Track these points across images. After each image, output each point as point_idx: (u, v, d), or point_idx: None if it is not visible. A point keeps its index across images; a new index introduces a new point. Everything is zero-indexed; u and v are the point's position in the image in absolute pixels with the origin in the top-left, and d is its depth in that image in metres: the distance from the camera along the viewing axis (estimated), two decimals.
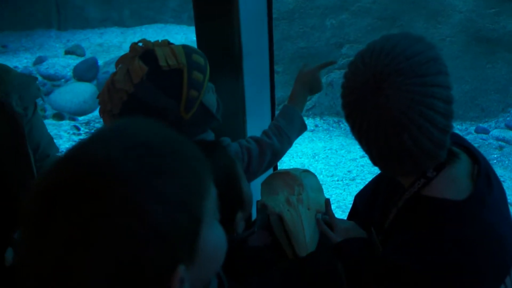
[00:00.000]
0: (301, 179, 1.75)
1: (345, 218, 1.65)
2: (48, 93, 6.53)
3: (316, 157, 4.96)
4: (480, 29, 5.36)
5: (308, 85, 1.68)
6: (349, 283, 1.39)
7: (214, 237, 0.73)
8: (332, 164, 4.83)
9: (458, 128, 5.49)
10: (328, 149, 5.04)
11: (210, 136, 1.60)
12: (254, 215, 1.72)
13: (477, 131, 5.38)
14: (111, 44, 7.72)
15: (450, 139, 1.23)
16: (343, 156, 4.88)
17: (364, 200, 1.56)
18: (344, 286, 1.34)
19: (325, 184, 4.45)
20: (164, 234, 0.62)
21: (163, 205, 0.62)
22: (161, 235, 0.61)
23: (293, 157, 5.02)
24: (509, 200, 4.26)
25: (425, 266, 1.08)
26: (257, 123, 1.92)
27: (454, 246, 1.09)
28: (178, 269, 0.64)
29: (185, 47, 1.47)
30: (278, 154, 1.63)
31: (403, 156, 1.08)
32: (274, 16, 5.77)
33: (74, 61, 7.02)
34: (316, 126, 5.47)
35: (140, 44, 1.45)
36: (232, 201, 1.24)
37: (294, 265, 1.32)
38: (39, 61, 7.09)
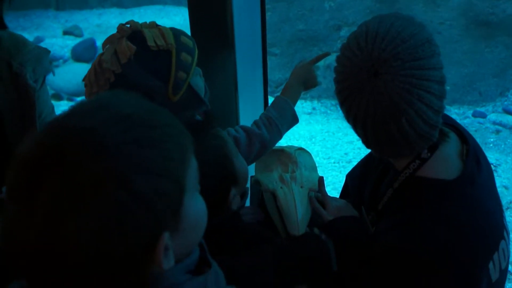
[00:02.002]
0: (295, 157, 1.77)
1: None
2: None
3: (313, 139, 4.98)
4: (479, 13, 5.34)
5: (302, 79, 1.68)
6: (339, 261, 1.42)
7: (195, 207, 0.75)
8: (329, 147, 4.85)
9: (456, 112, 5.50)
10: (325, 132, 5.06)
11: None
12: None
13: (475, 115, 5.39)
14: (109, 25, 7.68)
15: (443, 121, 1.27)
16: (340, 139, 4.90)
17: (354, 180, 1.59)
18: (334, 267, 1.37)
19: (321, 167, 4.47)
20: (148, 202, 0.63)
21: (147, 174, 0.64)
22: (145, 203, 0.63)
23: (290, 139, 5.03)
24: (505, 183, 4.26)
25: (417, 246, 1.10)
26: (249, 108, 1.93)
27: (446, 225, 1.11)
28: (163, 236, 0.66)
29: (173, 29, 1.46)
30: (267, 145, 1.63)
31: (399, 139, 1.09)
32: None
33: (72, 41, 6.99)
34: (314, 108, 5.48)
35: (128, 25, 1.44)
36: (225, 179, 1.25)
37: (286, 244, 1.35)
38: (37, 41, 7.06)
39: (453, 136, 1.23)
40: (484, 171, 1.23)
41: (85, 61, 6.60)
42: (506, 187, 4.31)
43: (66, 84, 6.31)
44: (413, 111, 1.05)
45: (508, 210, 4.03)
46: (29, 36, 7.23)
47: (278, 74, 5.69)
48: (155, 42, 1.38)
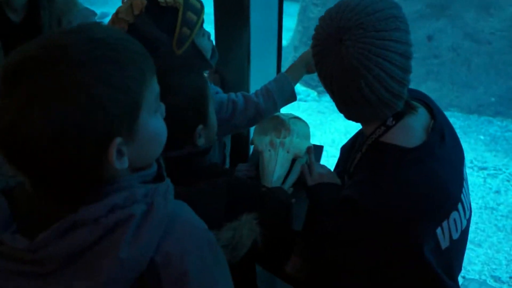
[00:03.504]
0: (289, 124, 1.91)
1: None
2: None
3: (348, 135, 5.04)
4: None
5: (306, 62, 1.79)
6: (308, 223, 1.54)
7: (154, 125, 0.89)
8: None
9: (498, 124, 5.42)
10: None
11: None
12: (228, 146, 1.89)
13: None
14: None
15: (415, 95, 1.35)
16: None
17: (344, 152, 1.69)
18: (293, 226, 1.49)
19: None
20: (104, 108, 0.77)
21: (107, 86, 0.78)
22: (101, 108, 0.77)
23: (325, 132, 5.12)
24: None
25: (371, 201, 1.20)
26: (260, 80, 2.06)
27: (397, 186, 1.20)
28: (115, 140, 0.80)
29: None
30: (262, 113, 1.74)
31: (362, 102, 1.19)
32: None
33: None
34: None
35: None
36: (196, 113, 1.37)
37: (241, 182, 1.47)
38: (102, 16, 7.41)
39: (422, 111, 1.32)
40: (448, 147, 1.31)
41: None
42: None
43: None
44: (371, 76, 1.15)
45: None
46: (96, 10, 7.58)
47: None
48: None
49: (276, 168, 1.77)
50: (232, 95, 1.72)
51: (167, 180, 0.93)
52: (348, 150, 1.65)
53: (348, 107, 1.25)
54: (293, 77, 1.79)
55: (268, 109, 1.75)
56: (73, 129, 0.76)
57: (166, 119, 0.95)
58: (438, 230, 1.23)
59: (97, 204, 0.80)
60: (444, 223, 1.24)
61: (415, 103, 1.31)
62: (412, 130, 1.27)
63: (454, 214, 1.27)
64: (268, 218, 1.30)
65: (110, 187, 0.83)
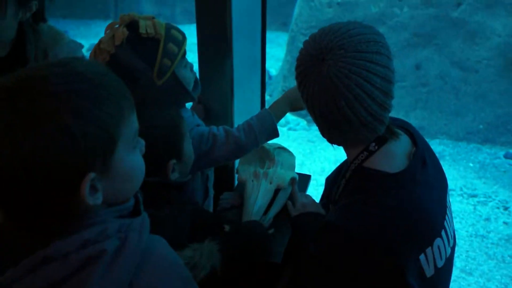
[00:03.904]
0: (273, 155, 1.91)
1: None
2: None
3: (337, 163, 5.03)
4: None
5: (290, 100, 1.80)
6: (288, 254, 1.53)
7: (131, 161, 0.88)
8: None
9: (487, 151, 5.45)
10: None
11: (186, 112, 1.73)
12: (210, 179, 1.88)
13: (506, 156, 5.32)
14: None
15: (398, 123, 1.36)
16: None
17: (329, 182, 1.70)
18: (272, 252, 1.48)
19: None
20: (76, 141, 0.76)
21: (80, 119, 0.77)
22: (73, 141, 0.76)
23: (315, 161, 5.13)
24: None
25: (353, 226, 1.19)
26: (244, 104, 2.07)
27: (380, 211, 1.20)
28: (88, 175, 0.78)
29: (167, 24, 1.64)
30: (243, 148, 1.74)
31: (343, 123, 1.19)
32: (312, 24, 5.85)
33: None
34: None
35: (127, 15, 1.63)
36: (170, 148, 1.39)
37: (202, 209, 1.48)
38: (92, 47, 7.49)
39: (404, 138, 1.33)
40: (430, 174, 1.31)
41: None
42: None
43: None
44: (351, 95, 1.16)
45: None
46: (86, 42, 7.63)
47: None
48: (146, 30, 1.56)
49: (258, 199, 1.77)
50: (214, 128, 1.72)
51: (144, 215, 0.91)
52: (332, 181, 1.65)
53: (330, 129, 1.25)
54: (276, 113, 1.78)
55: (249, 144, 1.74)
56: (43, 161, 0.75)
57: None
58: (422, 257, 1.22)
59: (68, 238, 0.78)
60: (428, 250, 1.23)
61: (397, 130, 1.32)
62: (394, 156, 1.27)
63: (437, 241, 1.26)
64: (233, 249, 1.31)
65: (83, 221, 0.82)
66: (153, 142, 1.28)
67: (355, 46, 1.17)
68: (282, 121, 5.82)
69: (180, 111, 1.49)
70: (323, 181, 4.57)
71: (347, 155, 1.33)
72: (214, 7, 1.83)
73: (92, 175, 0.79)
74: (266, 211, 1.79)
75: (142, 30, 1.56)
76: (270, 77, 6.56)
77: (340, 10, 5.51)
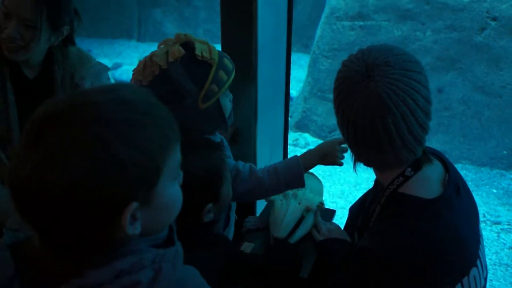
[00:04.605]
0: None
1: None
2: None
3: (358, 186, 5.00)
4: None
5: (323, 153, 1.79)
6: (315, 271, 1.51)
7: (171, 192, 0.87)
8: None
9: (511, 177, 5.36)
10: (371, 180, 5.06)
11: (216, 139, 1.74)
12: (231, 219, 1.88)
13: None
14: None
15: (430, 151, 1.35)
16: None
17: (354, 210, 1.68)
18: (303, 275, 1.46)
19: None
20: (124, 168, 0.76)
21: (129, 147, 0.77)
22: (121, 168, 0.75)
23: (334, 183, 5.09)
24: None
25: (387, 251, 1.18)
26: (268, 130, 2.07)
27: (415, 237, 1.18)
28: (132, 204, 0.78)
29: (220, 51, 1.68)
30: (263, 190, 1.73)
31: (384, 143, 1.18)
32: (334, 46, 5.86)
33: None
34: None
35: (183, 36, 1.67)
36: (209, 190, 1.38)
37: (238, 252, 1.46)
38: (115, 67, 7.60)
39: (437, 163, 1.32)
40: (464, 201, 1.30)
41: None
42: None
43: None
44: (398, 113, 1.15)
45: None
46: (109, 62, 7.78)
47: (333, 120, 5.79)
48: (201, 53, 1.60)
49: (286, 215, 1.76)
50: (240, 164, 1.73)
51: (177, 244, 0.90)
52: (357, 209, 1.63)
53: (369, 150, 1.23)
54: (305, 163, 1.77)
55: (270, 188, 1.73)
56: (90, 186, 0.74)
57: None
58: (459, 286, 1.20)
59: (103, 268, 0.77)
60: (465, 280, 1.22)
61: (432, 157, 1.31)
62: (429, 182, 1.26)
63: (473, 271, 1.24)
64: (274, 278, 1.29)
65: (118, 250, 0.81)
66: (194, 186, 1.28)
67: (400, 64, 1.17)
68: (302, 142, 5.80)
69: (224, 152, 1.48)
70: (343, 204, 4.55)
71: (381, 180, 1.32)
72: (240, 28, 1.84)
73: (135, 204, 0.78)
74: (292, 231, 1.78)
75: (198, 52, 1.60)
76: (291, 99, 6.57)
77: (363, 33, 5.51)
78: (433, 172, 1.28)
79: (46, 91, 1.78)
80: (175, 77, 1.58)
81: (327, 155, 1.78)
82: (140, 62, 1.65)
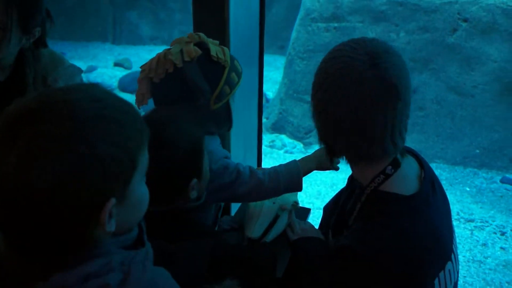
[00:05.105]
0: None
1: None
2: None
3: (334, 187, 5.03)
4: None
5: (319, 159, 1.80)
6: (289, 271, 1.52)
7: (141, 190, 0.88)
8: None
9: (483, 176, 5.44)
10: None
11: (217, 141, 1.74)
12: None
13: (503, 181, 5.31)
14: None
15: (405, 149, 1.34)
16: None
17: (327, 209, 1.69)
18: (277, 274, 1.46)
19: None
20: (105, 164, 0.76)
21: (109, 143, 0.77)
22: (102, 164, 0.76)
23: (311, 184, 5.11)
24: None
25: (370, 249, 1.18)
26: (241, 130, 2.07)
27: (397, 235, 1.19)
28: (111, 200, 0.78)
29: (231, 54, 1.71)
30: (263, 192, 1.72)
31: (378, 131, 1.17)
32: (309, 48, 5.90)
33: (121, 72, 7.41)
34: None
35: (197, 35, 1.68)
36: (193, 165, 1.38)
37: (228, 244, 1.45)
38: (89, 69, 7.52)
39: (412, 160, 1.34)
40: (438, 198, 1.31)
41: (130, 92, 6.93)
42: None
43: None
44: (403, 101, 1.15)
45: None
46: (84, 65, 7.70)
47: (309, 122, 5.82)
48: (216, 54, 1.63)
49: (260, 215, 1.77)
50: (240, 165, 1.72)
51: (147, 245, 0.90)
52: (331, 208, 1.64)
53: (357, 142, 1.21)
54: (303, 168, 1.78)
55: (270, 189, 1.72)
56: (71, 184, 0.73)
57: (161, 173, 0.92)
58: (436, 281, 1.22)
59: (70, 271, 0.77)
60: (441, 274, 1.23)
61: (405, 153, 1.32)
62: (408, 179, 1.28)
63: (448, 265, 1.26)
64: (252, 280, 1.28)
65: (88, 252, 0.80)
66: (180, 159, 1.30)
67: (396, 51, 1.18)
68: (279, 143, 5.82)
69: (201, 128, 1.48)
70: (320, 205, 4.57)
71: (360, 178, 1.31)
72: (213, 31, 1.85)
73: (113, 200, 0.79)
74: (266, 231, 1.79)
75: (213, 53, 1.62)
76: (267, 100, 6.58)
77: (338, 34, 5.56)
78: (410, 169, 1.29)
79: (18, 93, 1.75)
80: (190, 76, 1.60)
81: (322, 163, 1.79)
82: (152, 59, 1.64)
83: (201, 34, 1.67)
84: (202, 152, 1.40)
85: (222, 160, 1.67)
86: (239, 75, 1.70)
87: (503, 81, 5.34)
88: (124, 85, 7.08)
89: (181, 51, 1.60)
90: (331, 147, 1.29)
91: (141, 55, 8.37)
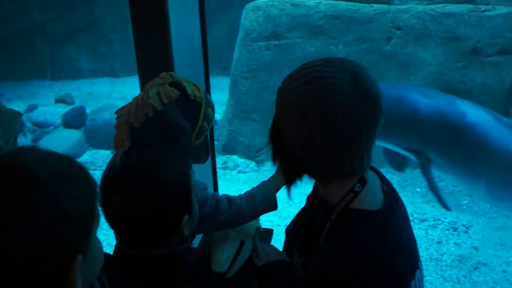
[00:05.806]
0: None
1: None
2: (37, 140, 6.71)
3: (290, 202, 5.07)
4: (449, 81, 5.57)
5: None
6: None
7: (97, 243, 0.89)
8: None
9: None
10: (303, 195, 5.14)
11: (194, 174, 1.68)
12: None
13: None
14: (100, 93, 7.97)
15: None
16: None
17: (289, 230, 1.70)
18: None
19: None
20: (71, 220, 0.78)
21: (70, 200, 0.79)
22: (69, 220, 0.77)
23: None
24: (475, 244, 4.27)
25: (343, 265, 1.17)
26: None
27: (371, 250, 1.19)
28: (78, 256, 0.78)
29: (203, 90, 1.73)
30: (243, 216, 1.75)
31: (354, 146, 1.17)
32: (252, 67, 5.94)
33: (63, 109, 7.23)
34: None
35: (169, 75, 1.69)
36: (184, 200, 1.37)
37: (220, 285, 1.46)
38: (30, 109, 7.31)
39: (372, 173, 1.35)
40: (400, 207, 1.34)
41: (75, 127, 6.81)
42: (475, 248, 4.37)
43: (56, 150, 6.40)
44: (379, 118, 1.17)
45: (477, 270, 4.07)
46: (23, 104, 7.50)
47: (259, 139, 5.87)
48: (193, 93, 1.65)
49: (225, 248, 1.77)
50: (217, 194, 1.75)
51: None
52: (293, 229, 1.66)
53: (328, 160, 1.20)
54: (275, 184, 1.82)
55: (249, 213, 1.75)
56: (43, 244, 0.74)
57: (156, 212, 1.01)
58: None
59: None
60: (413, 283, 1.24)
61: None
62: (374, 193, 1.30)
63: (417, 273, 1.28)
64: None
65: None
66: (171, 196, 1.29)
67: (366, 68, 1.19)
68: (231, 164, 5.82)
69: (186, 165, 1.47)
70: (278, 221, 4.55)
71: (328, 197, 1.30)
72: (155, 58, 1.85)
73: (80, 257, 0.79)
74: (233, 261, 1.78)
75: (189, 92, 1.64)
76: (216, 122, 6.59)
77: (278, 52, 5.65)
78: (374, 183, 1.31)
79: None
80: (172, 118, 1.61)
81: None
82: (129, 104, 1.65)
83: (173, 74, 1.69)
84: (191, 188, 1.40)
85: (202, 192, 1.69)
86: (213, 109, 1.74)
87: (438, 83, 5.57)
88: (68, 121, 6.92)
89: (158, 93, 1.61)
90: (301, 167, 1.27)
91: (83, 89, 8.23)
